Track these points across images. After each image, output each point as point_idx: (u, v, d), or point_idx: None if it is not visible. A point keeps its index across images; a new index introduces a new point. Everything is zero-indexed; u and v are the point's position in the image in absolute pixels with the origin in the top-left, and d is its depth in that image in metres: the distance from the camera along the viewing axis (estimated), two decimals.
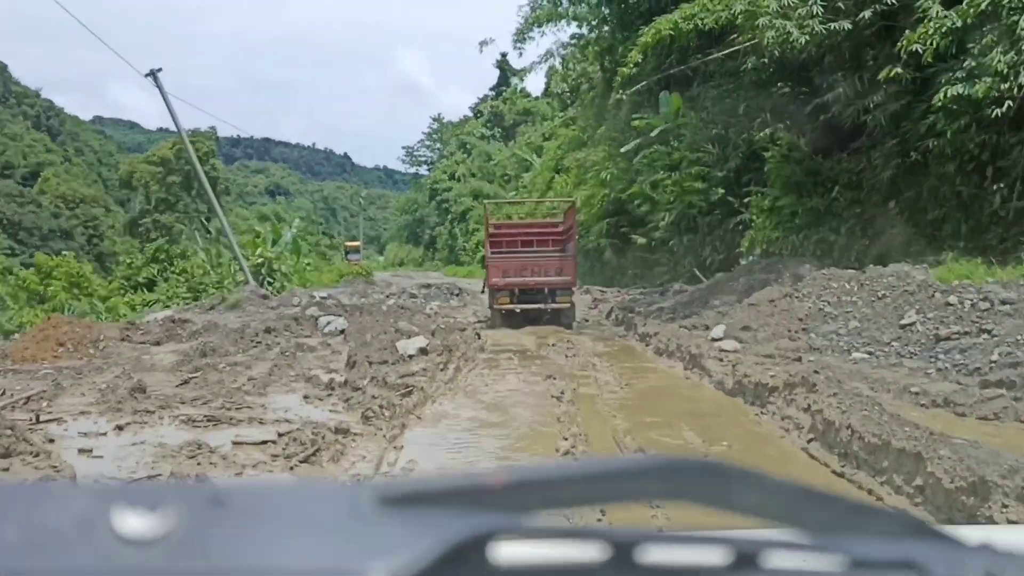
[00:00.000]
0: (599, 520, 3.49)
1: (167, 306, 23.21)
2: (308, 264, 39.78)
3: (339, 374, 9.81)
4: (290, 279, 29.30)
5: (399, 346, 10.84)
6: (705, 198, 23.52)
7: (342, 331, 13.81)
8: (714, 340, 12.03)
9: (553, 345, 13.96)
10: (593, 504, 0.56)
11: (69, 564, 0.45)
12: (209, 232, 70.08)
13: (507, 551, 0.50)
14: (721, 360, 10.34)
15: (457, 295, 23.41)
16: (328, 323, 14.37)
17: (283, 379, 9.29)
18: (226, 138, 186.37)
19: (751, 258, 21.86)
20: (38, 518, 0.48)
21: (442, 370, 10.31)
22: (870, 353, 9.79)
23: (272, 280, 29.61)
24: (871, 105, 16.93)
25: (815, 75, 20.35)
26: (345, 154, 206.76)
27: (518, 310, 18.18)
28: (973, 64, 12.42)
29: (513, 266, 18.33)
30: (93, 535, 0.46)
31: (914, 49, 13.64)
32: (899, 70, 14.03)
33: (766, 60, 22.84)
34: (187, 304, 21.82)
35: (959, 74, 12.66)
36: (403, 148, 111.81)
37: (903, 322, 10.09)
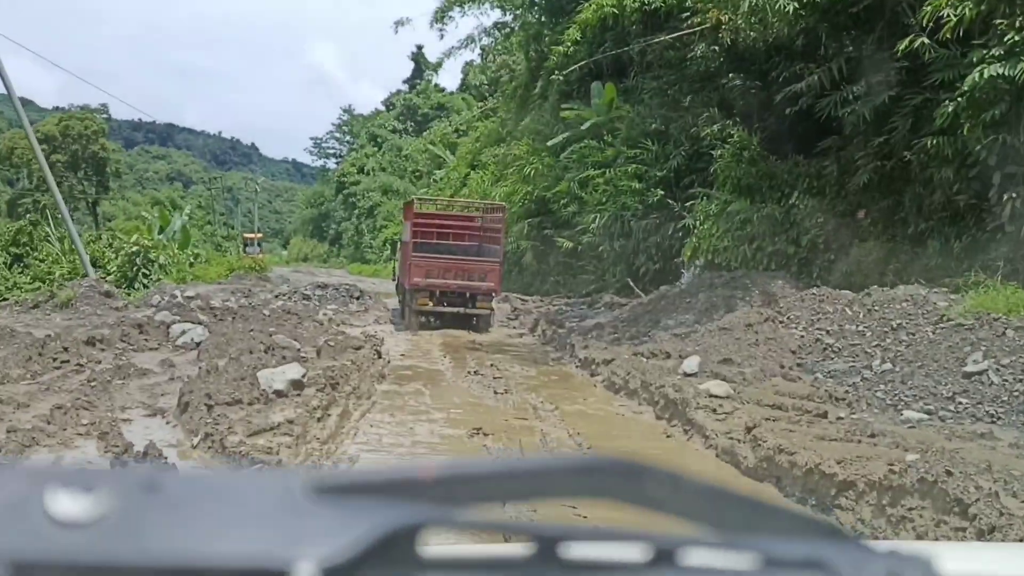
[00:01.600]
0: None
1: (4, 299, 19.03)
2: (196, 255, 35.51)
3: (165, 418, 6.38)
4: (167, 272, 25.23)
5: (262, 377, 7.43)
6: (641, 200, 20.65)
7: (199, 344, 10.29)
8: (687, 375, 9.01)
9: (475, 373, 10.66)
10: (519, 500, 0.56)
11: (1, 544, 0.44)
12: (96, 215, 64.48)
13: (436, 543, 0.50)
14: (715, 411, 7.30)
15: (358, 298, 19.94)
16: (183, 332, 10.85)
17: (62, 433, 5.80)
18: (127, 121, 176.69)
19: (693, 269, 19.09)
20: None
21: (320, 419, 6.94)
22: (928, 412, 6.90)
23: (148, 273, 25.49)
24: (851, 96, 14.30)
25: (779, 64, 17.68)
26: (252, 144, 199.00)
27: (437, 312, 17.28)
28: (1016, 39, 9.73)
29: (437, 267, 17.30)
30: (26, 516, 0.46)
31: (929, 23, 10.93)
32: (924, 40, 11.24)
33: (717, 48, 20.22)
34: (26, 296, 17.71)
35: (996, 51, 9.96)
36: (311, 139, 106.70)
37: (968, 369, 7.26)
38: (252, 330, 11.81)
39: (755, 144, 17.71)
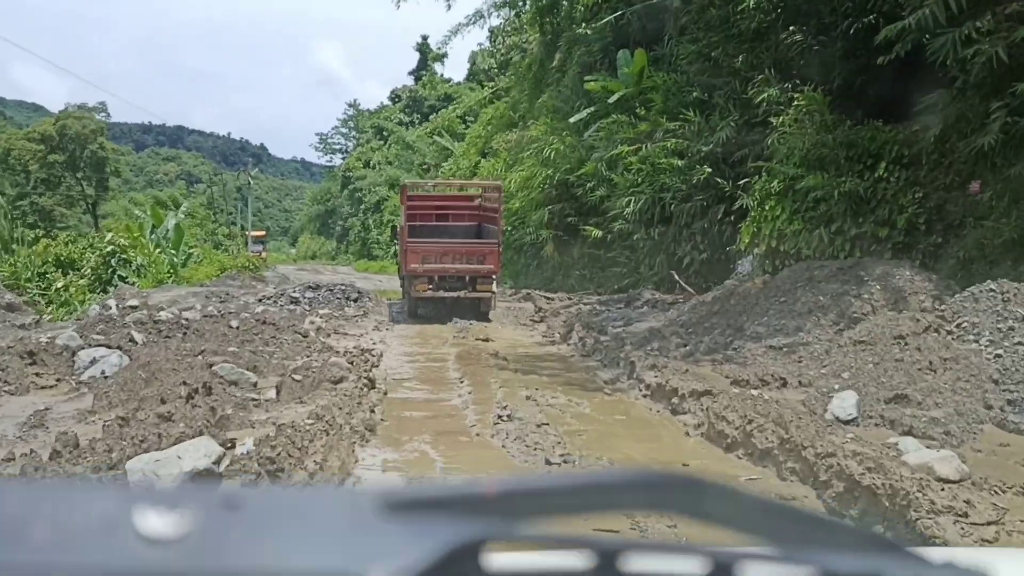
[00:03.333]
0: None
1: None
2: (189, 255, 32.20)
3: None
4: (144, 273, 21.88)
5: (133, 472, 4.00)
6: (684, 179, 17.20)
7: (108, 377, 6.92)
8: (842, 421, 5.62)
9: (508, 417, 7.04)
10: (580, 513, 0.56)
11: (94, 561, 0.46)
12: (95, 216, 61.22)
13: (500, 558, 0.51)
14: (963, 517, 3.86)
15: (355, 300, 16.57)
16: (92, 362, 7.48)
17: None
18: (137, 124, 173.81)
19: (751, 258, 15.66)
20: (66, 516, 0.49)
21: None
22: None
23: (123, 276, 22.14)
24: (973, 34, 10.84)
25: (851, 11, 14.25)
26: (261, 144, 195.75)
27: (437, 299, 16.47)
28: None
29: (434, 252, 16.64)
30: (117, 534, 0.47)
31: None
32: None
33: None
34: None
35: None
36: (316, 135, 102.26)
37: None
38: (201, 352, 8.44)
39: (827, 107, 14.25)
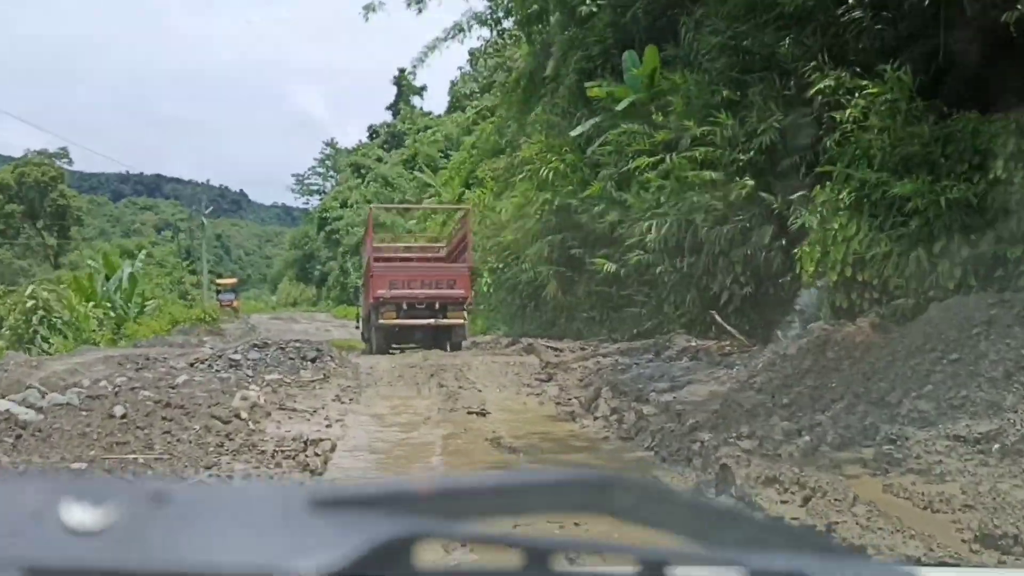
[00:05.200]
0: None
1: None
2: (143, 307, 28.59)
3: None
4: (64, 331, 18.25)
5: None
6: (720, 197, 13.81)
7: None
8: None
9: None
10: (513, 515, 0.55)
11: (18, 551, 0.46)
12: (58, 267, 57.37)
13: (431, 556, 0.50)
14: None
15: (313, 360, 12.98)
16: None
17: None
18: (114, 174, 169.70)
19: (814, 292, 12.28)
20: None
21: None
22: None
23: (47, 335, 18.52)
24: None
25: None
26: (241, 191, 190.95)
27: (405, 327, 15.73)
28: None
29: (401, 277, 16.08)
30: (41, 524, 0.47)
31: None
32: None
33: None
34: None
35: None
36: (293, 176, 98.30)
37: None
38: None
39: (913, 93, 10.97)
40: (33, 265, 53.76)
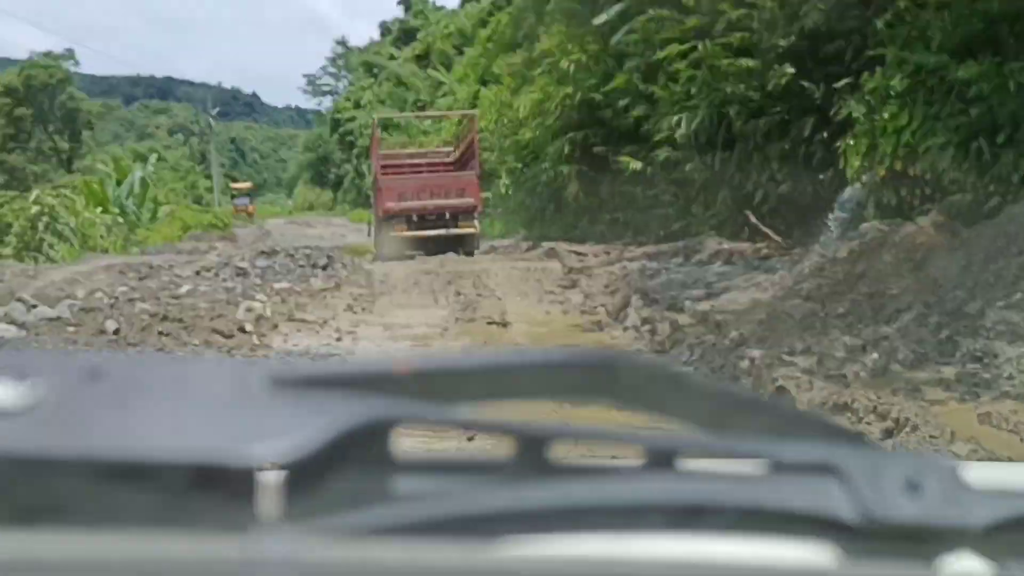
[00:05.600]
0: None
1: None
2: (155, 213, 27.95)
3: None
4: (70, 238, 17.64)
5: None
6: (756, 86, 12.77)
7: None
8: None
9: None
10: (503, 398, 0.49)
11: None
12: (71, 172, 56.75)
13: (410, 442, 0.46)
14: None
15: (324, 267, 12.31)
16: None
17: None
18: (126, 77, 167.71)
19: (857, 188, 11.39)
20: None
21: None
22: None
23: (54, 242, 17.92)
24: None
25: None
26: (254, 93, 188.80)
27: (417, 239, 15.42)
28: None
29: (409, 188, 15.86)
30: None
31: None
32: None
33: None
34: None
35: None
36: (304, 76, 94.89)
37: None
38: None
39: None
40: (48, 170, 53.06)
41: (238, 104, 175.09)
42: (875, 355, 5.05)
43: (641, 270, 11.29)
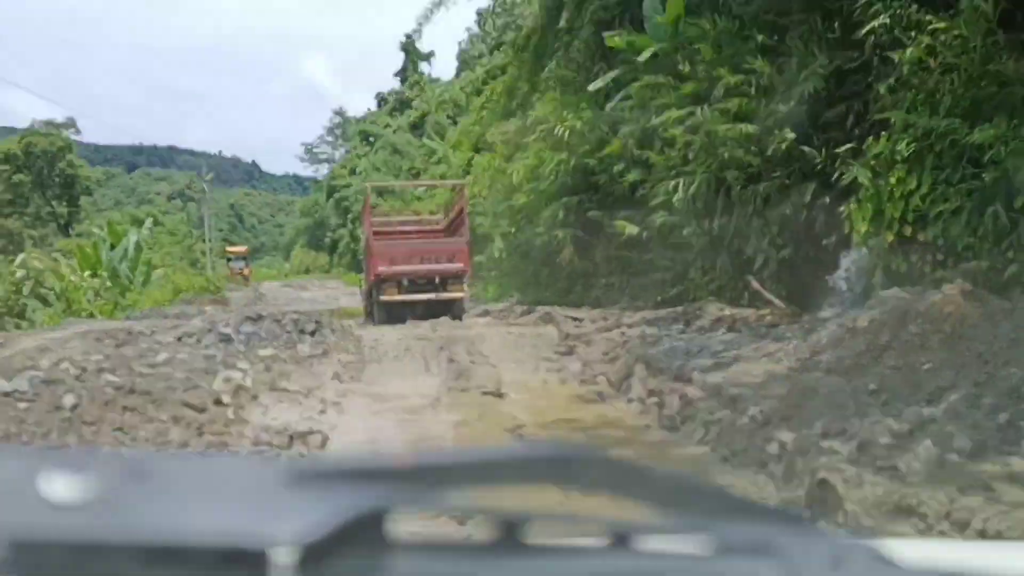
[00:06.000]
0: None
1: None
2: (146, 276, 27.21)
3: None
4: (53, 303, 16.87)
5: None
6: (756, 151, 12.26)
7: None
8: None
9: None
10: (486, 486, 0.55)
11: (1, 525, 0.45)
12: (68, 237, 56.13)
13: (406, 528, 0.51)
14: None
15: (312, 333, 11.54)
16: None
17: None
18: (128, 147, 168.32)
19: (862, 254, 10.79)
20: None
21: None
22: None
23: (40, 304, 17.16)
24: None
25: None
26: (253, 161, 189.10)
27: (407, 303, 15.62)
28: None
29: (401, 253, 16.18)
30: (22, 497, 0.46)
31: None
32: None
33: None
34: None
35: None
36: (302, 145, 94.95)
37: None
38: None
39: (993, 24, 9.33)
40: (47, 235, 52.37)
41: (238, 171, 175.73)
42: (927, 442, 4.31)
43: (641, 337, 10.58)
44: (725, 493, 0.63)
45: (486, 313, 18.82)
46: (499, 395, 8.37)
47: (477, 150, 29.05)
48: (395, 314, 15.08)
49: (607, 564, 0.53)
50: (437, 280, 15.62)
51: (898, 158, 9.95)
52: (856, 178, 10.49)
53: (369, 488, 0.49)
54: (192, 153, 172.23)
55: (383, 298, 15.66)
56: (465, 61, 38.61)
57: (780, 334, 8.79)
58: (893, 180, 9.89)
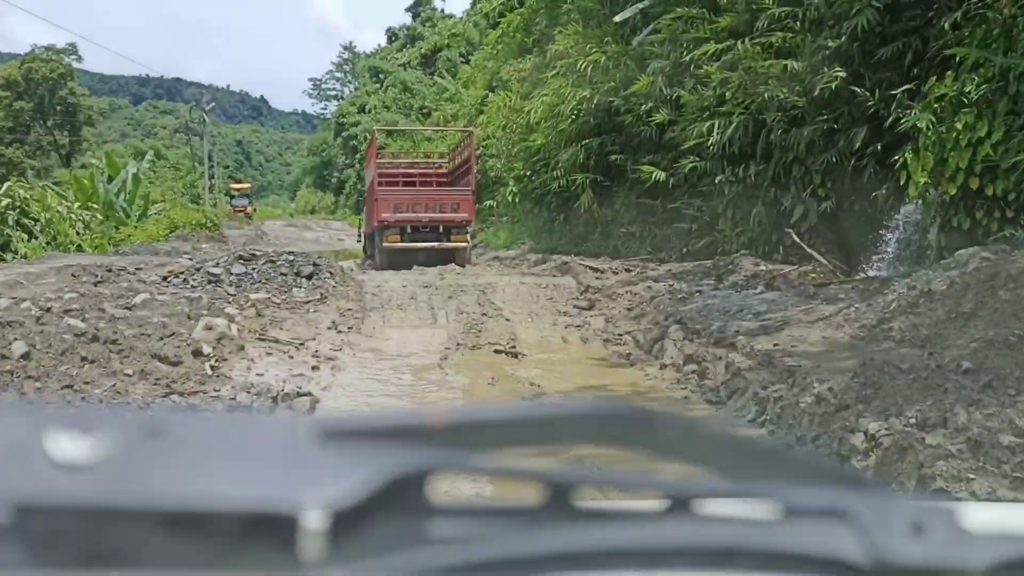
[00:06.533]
0: None
1: None
2: (143, 210, 26.25)
3: None
4: (43, 231, 15.93)
5: None
6: (801, 91, 11.14)
7: None
8: None
9: None
10: (530, 446, 0.51)
11: (4, 487, 0.42)
12: (71, 168, 55.06)
13: (446, 489, 0.48)
14: None
15: (309, 276, 10.60)
16: None
17: None
18: (134, 77, 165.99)
19: (918, 207, 9.79)
20: None
21: None
22: None
23: (25, 236, 16.23)
24: None
25: None
26: (261, 97, 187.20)
27: (409, 250, 15.28)
28: None
29: (405, 201, 15.90)
30: (26, 458, 0.43)
31: None
32: None
33: None
34: None
35: None
36: (309, 80, 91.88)
37: None
38: None
39: None
40: (53, 166, 51.27)
41: (246, 107, 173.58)
42: None
43: (670, 291, 9.64)
44: (790, 454, 0.56)
45: (497, 260, 17.89)
46: (514, 355, 7.47)
47: (491, 88, 27.75)
48: (397, 260, 14.98)
49: (665, 530, 0.49)
50: (441, 228, 15.57)
51: (965, 100, 8.86)
52: (915, 123, 9.39)
53: (405, 449, 0.45)
54: (199, 86, 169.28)
55: (386, 244, 15.59)
56: (475, 9, 36.82)
57: (831, 295, 7.84)
58: (959, 126, 8.82)
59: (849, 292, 7.67)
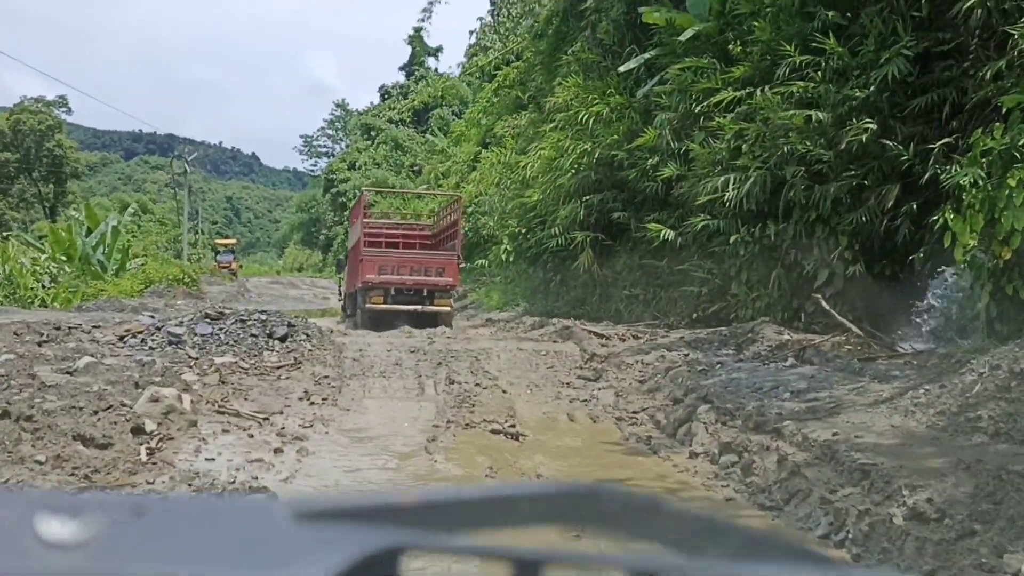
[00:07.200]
0: None
1: None
2: (122, 264, 25.16)
3: None
4: (1, 285, 14.78)
5: None
6: (826, 144, 10.25)
7: None
8: None
9: None
10: (499, 527, 0.52)
11: None
12: (55, 221, 53.98)
13: (417, 568, 0.48)
14: None
15: (283, 339, 9.46)
16: None
17: None
18: (128, 132, 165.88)
19: (965, 271, 8.80)
20: None
21: None
22: None
23: None
24: None
25: None
26: (253, 154, 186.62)
27: (392, 312, 15.05)
28: None
29: (391, 262, 15.82)
30: (17, 539, 0.45)
31: None
32: None
33: None
34: None
35: None
36: (300, 137, 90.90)
37: None
38: None
39: None
40: (37, 219, 50.14)
41: (237, 163, 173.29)
42: None
43: (687, 362, 8.56)
44: (748, 532, 0.58)
45: (489, 323, 16.82)
46: (514, 436, 6.34)
47: (484, 144, 27.03)
48: (379, 321, 14.78)
49: None
50: (425, 292, 15.44)
51: (1017, 155, 7.96)
52: (959, 180, 8.45)
53: (377, 528, 0.47)
54: (192, 142, 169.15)
55: (368, 305, 15.42)
56: (475, 54, 36.41)
57: (881, 372, 6.77)
58: (1012, 182, 7.88)
59: (904, 369, 6.61)
